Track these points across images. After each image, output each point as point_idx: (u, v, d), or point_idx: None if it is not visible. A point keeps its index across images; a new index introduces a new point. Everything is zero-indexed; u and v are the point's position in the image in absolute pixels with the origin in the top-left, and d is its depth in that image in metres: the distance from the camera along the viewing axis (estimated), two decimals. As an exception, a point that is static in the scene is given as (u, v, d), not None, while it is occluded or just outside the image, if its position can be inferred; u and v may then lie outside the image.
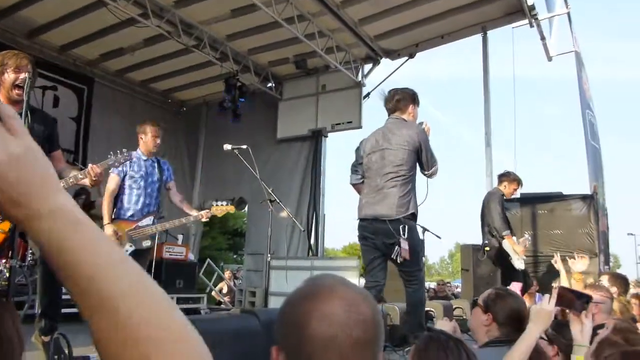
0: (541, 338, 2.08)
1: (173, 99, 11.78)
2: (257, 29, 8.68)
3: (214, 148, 10.26)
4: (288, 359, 0.93)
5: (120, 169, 4.37)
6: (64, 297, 6.10)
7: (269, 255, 5.05)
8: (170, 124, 11.63)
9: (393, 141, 3.89)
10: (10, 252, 2.47)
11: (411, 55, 9.50)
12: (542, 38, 8.13)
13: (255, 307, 8.07)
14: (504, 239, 5.70)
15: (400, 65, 9.72)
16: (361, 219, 3.97)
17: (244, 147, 4.58)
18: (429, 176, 4.00)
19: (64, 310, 5.98)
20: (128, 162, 4.34)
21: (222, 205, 4.63)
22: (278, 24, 7.84)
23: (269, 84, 10.42)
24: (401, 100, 4.05)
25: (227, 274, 13.46)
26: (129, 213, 4.43)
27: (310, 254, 9.57)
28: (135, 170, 4.49)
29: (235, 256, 26.08)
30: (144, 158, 4.61)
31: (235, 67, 9.50)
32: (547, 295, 2.02)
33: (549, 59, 8.40)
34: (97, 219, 7.88)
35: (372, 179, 3.93)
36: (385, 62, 9.80)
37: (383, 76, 10.07)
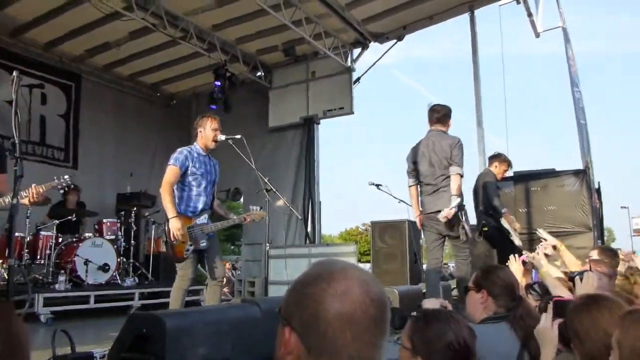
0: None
1: (162, 92, 11.70)
2: (244, 18, 8.61)
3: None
4: (301, 339, 0.93)
5: (182, 161, 4.18)
6: (67, 294, 6.16)
7: (267, 244, 5.05)
8: (160, 118, 11.60)
9: (438, 150, 4.84)
10: (7, 251, 2.47)
11: (400, 38, 9.47)
12: (529, 15, 8.12)
13: (256, 297, 8.11)
14: (502, 217, 5.74)
15: (389, 49, 9.70)
16: (426, 213, 4.96)
17: (238, 137, 4.52)
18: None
19: (68, 308, 6.05)
20: (187, 157, 4.20)
21: (259, 211, 4.58)
22: (264, 11, 7.78)
23: (258, 73, 10.36)
24: (445, 115, 5.01)
25: (226, 265, 13.49)
26: (190, 209, 4.24)
27: (308, 241, 9.61)
28: (197, 167, 4.26)
29: (232, 247, 26.13)
30: (203, 154, 4.36)
31: (223, 57, 9.44)
32: (544, 314, 2.03)
33: (537, 35, 8.39)
34: (93, 214, 7.86)
35: (428, 182, 4.90)
36: (374, 46, 9.78)
37: (372, 60, 10.07)
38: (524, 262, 3.57)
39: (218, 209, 4.56)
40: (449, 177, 4.76)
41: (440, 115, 5.00)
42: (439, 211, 4.72)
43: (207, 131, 4.36)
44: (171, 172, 4.17)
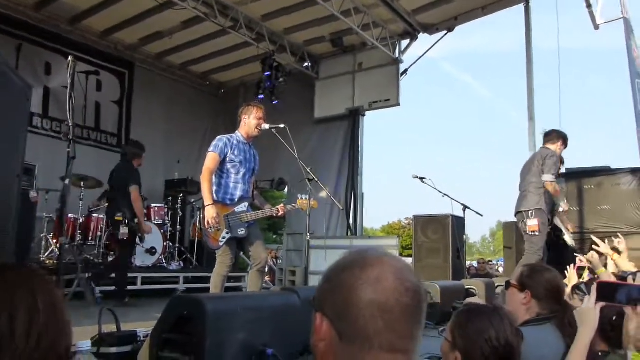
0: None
1: (212, 81, 11.91)
2: (293, 8, 8.62)
3: (252, 129, 10.33)
4: (333, 326, 0.91)
5: (221, 147, 4.20)
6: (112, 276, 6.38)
7: (308, 234, 5.04)
8: (209, 106, 11.83)
9: (533, 160, 5.68)
10: (60, 231, 2.56)
11: (450, 29, 9.26)
12: (589, 5, 7.76)
13: (296, 285, 8.17)
14: (555, 215, 5.61)
15: (439, 40, 9.51)
16: (515, 213, 5.77)
17: (282, 126, 4.51)
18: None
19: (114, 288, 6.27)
20: (227, 144, 4.21)
21: (306, 199, 4.56)
22: (313, 1, 7.77)
23: (306, 64, 10.37)
24: (553, 136, 5.73)
25: (271, 254, 13.63)
26: (228, 197, 4.24)
27: (349, 233, 9.59)
28: (236, 155, 4.26)
29: (275, 236, 26.41)
30: (244, 141, 4.36)
31: (271, 47, 9.50)
32: (587, 296, 1.95)
33: (596, 27, 8.01)
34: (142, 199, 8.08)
35: (520, 188, 5.73)
36: (423, 37, 9.59)
37: (421, 52, 9.89)
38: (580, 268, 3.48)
39: (255, 198, 4.55)
40: (532, 182, 5.53)
41: (550, 137, 5.75)
42: (521, 212, 5.54)
43: (251, 120, 4.36)
44: (210, 158, 4.20)
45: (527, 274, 2.30)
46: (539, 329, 2.18)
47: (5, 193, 1.79)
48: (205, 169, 4.18)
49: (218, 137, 4.33)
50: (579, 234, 6.51)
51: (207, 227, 4.07)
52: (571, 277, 3.31)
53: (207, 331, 2.16)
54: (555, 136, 5.72)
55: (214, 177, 4.24)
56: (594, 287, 1.93)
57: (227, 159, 4.25)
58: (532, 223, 5.41)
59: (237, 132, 4.43)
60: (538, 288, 2.24)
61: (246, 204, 4.30)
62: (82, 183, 6.87)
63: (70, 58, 2.93)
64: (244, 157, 4.33)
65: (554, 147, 5.67)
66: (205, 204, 4.10)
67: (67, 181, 2.57)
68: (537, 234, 5.39)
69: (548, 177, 5.44)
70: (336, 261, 0.99)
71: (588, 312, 1.89)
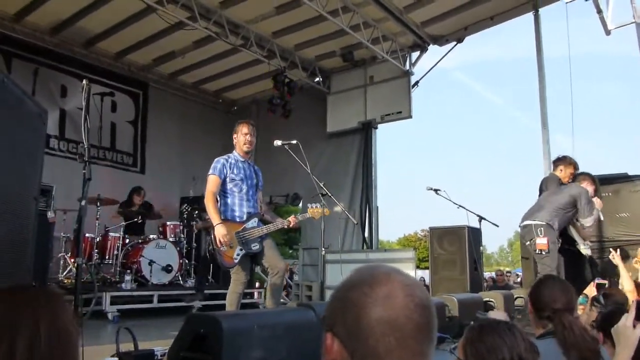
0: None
1: (224, 99, 12.04)
2: (302, 24, 8.72)
3: (265, 145, 10.27)
4: (343, 345, 0.91)
5: (220, 169, 4.29)
6: (132, 294, 6.43)
7: (323, 249, 5.02)
8: (222, 124, 11.92)
9: (569, 193, 5.46)
10: (76, 251, 2.60)
11: (460, 40, 9.27)
12: (599, 11, 7.72)
13: (312, 301, 8.13)
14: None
15: (449, 51, 9.50)
16: (522, 224, 5.60)
17: (294, 142, 4.55)
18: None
19: (133, 306, 6.31)
20: (224, 165, 4.30)
21: (317, 208, 4.56)
22: (323, 17, 7.83)
23: (317, 79, 10.44)
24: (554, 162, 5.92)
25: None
26: (236, 215, 4.29)
27: (365, 247, 9.55)
28: (235, 173, 4.35)
29: (290, 251, 26.37)
30: (241, 160, 4.48)
31: (282, 63, 9.58)
32: (626, 314, 1.90)
33: (607, 32, 7.95)
34: (157, 217, 8.14)
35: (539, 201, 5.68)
36: (433, 48, 9.62)
37: (431, 63, 9.91)
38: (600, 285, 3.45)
39: (265, 213, 4.58)
40: (556, 206, 5.37)
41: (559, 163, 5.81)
42: (530, 225, 5.33)
43: (239, 136, 4.47)
44: (211, 181, 4.27)
45: (531, 289, 2.37)
46: (546, 342, 2.15)
47: (23, 214, 1.82)
48: (207, 192, 4.24)
49: (215, 159, 4.39)
50: (598, 242, 6.41)
51: (219, 246, 4.08)
52: (590, 294, 3.28)
53: (224, 349, 2.17)
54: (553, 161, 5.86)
55: (219, 197, 4.30)
56: (633, 305, 1.89)
57: (228, 179, 4.31)
58: (542, 242, 5.18)
59: (233, 151, 4.51)
60: (535, 300, 2.27)
61: (256, 219, 4.34)
62: (98, 203, 6.99)
63: (84, 81, 2.99)
64: (244, 174, 4.39)
65: (557, 171, 5.71)
66: (214, 223, 4.12)
67: (83, 202, 2.60)
68: (544, 253, 5.15)
69: (589, 222, 5.33)
70: (345, 279, 0.99)
71: (626, 331, 1.84)
